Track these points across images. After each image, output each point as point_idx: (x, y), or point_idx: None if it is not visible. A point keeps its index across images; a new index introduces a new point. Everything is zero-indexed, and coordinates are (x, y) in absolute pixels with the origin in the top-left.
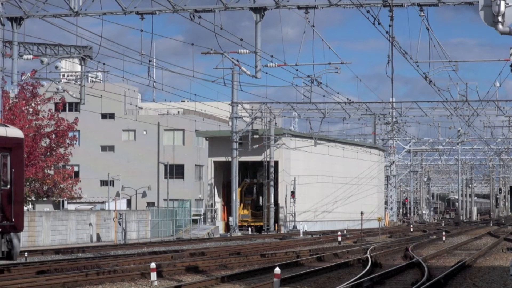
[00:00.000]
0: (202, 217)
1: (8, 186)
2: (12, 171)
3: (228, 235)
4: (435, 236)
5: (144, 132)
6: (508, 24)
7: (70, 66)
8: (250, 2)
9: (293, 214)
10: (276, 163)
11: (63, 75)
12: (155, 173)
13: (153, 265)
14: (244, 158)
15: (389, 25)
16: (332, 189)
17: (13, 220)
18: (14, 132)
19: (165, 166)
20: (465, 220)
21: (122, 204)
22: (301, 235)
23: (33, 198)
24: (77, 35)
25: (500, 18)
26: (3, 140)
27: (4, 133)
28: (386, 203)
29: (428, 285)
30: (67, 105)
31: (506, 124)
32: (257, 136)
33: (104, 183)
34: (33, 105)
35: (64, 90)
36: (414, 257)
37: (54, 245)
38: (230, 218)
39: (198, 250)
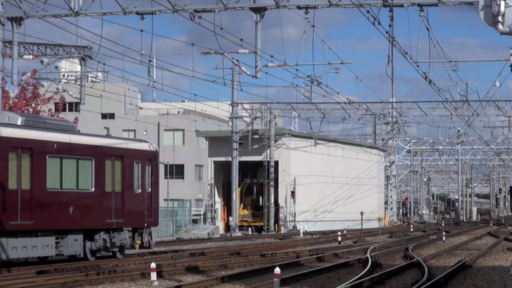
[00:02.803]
0: (202, 217)
1: (150, 189)
2: (152, 178)
3: (228, 235)
4: (435, 236)
5: (144, 132)
6: (508, 24)
7: (70, 66)
8: (250, 2)
9: (293, 214)
10: (276, 163)
11: (63, 75)
12: None
13: (153, 265)
14: (244, 158)
15: (389, 25)
16: (332, 189)
17: (153, 217)
18: (152, 146)
19: (165, 166)
20: (465, 220)
21: None
22: (301, 235)
23: None
24: (77, 35)
25: (500, 18)
26: (147, 153)
27: (147, 148)
28: (386, 203)
29: (428, 285)
30: (67, 105)
31: (506, 124)
32: (257, 136)
33: None
34: (33, 105)
35: (64, 90)
36: (414, 257)
37: None
38: (230, 218)
39: (198, 250)
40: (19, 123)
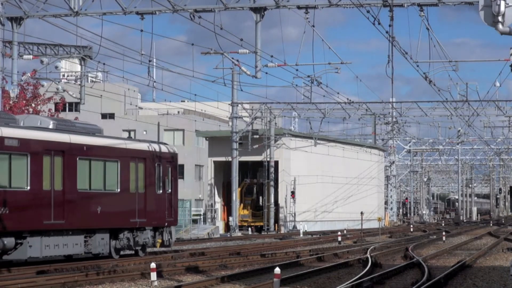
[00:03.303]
0: (202, 217)
1: (169, 190)
2: (171, 179)
3: (228, 235)
4: (435, 236)
5: (144, 132)
6: (508, 24)
7: (70, 66)
8: (250, 2)
9: (293, 214)
10: (276, 163)
11: (63, 75)
12: None
13: (153, 265)
14: (244, 158)
15: (389, 25)
16: (332, 189)
17: (172, 216)
18: (172, 149)
19: None
20: (465, 220)
21: None
22: (301, 235)
23: None
24: (77, 35)
25: (500, 18)
26: (167, 155)
27: (167, 150)
28: (386, 203)
29: (428, 285)
30: (67, 105)
31: (506, 124)
32: (257, 136)
33: None
34: (33, 105)
35: (64, 90)
36: (414, 257)
37: None
38: (230, 218)
39: (198, 250)
40: (50, 126)
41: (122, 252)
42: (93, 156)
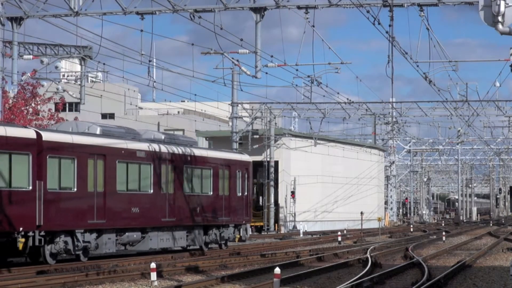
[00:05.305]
0: None
1: (246, 193)
2: (247, 183)
3: None
4: (435, 236)
5: None
6: (508, 24)
7: (70, 66)
8: (250, 2)
9: (293, 214)
10: (276, 163)
11: (63, 75)
12: None
13: (153, 265)
14: None
15: (389, 25)
16: (332, 189)
17: (248, 215)
18: (247, 158)
19: None
20: (465, 220)
21: None
22: (301, 235)
23: None
24: (77, 35)
25: (500, 18)
26: (244, 163)
27: (244, 158)
28: (386, 203)
29: (428, 285)
30: (67, 105)
31: (506, 124)
32: (257, 136)
33: None
34: (33, 105)
35: (64, 90)
36: (414, 257)
37: None
38: None
39: (198, 250)
40: (162, 137)
41: (210, 246)
42: (194, 165)
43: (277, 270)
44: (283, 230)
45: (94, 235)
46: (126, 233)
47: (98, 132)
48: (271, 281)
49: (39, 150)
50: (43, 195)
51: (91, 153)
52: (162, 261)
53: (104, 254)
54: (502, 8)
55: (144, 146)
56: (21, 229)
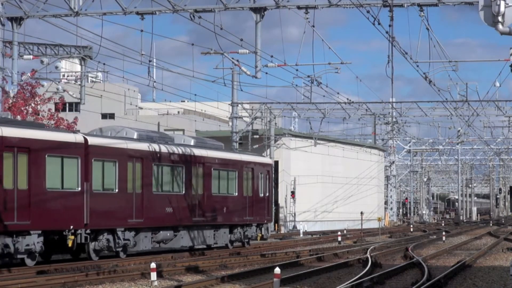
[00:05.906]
0: None
1: (268, 194)
2: (269, 184)
3: None
4: (435, 236)
5: None
6: (508, 24)
7: (70, 66)
8: (250, 2)
9: (293, 214)
10: (276, 163)
11: (63, 75)
12: None
13: (153, 265)
14: None
15: (389, 25)
16: (332, 189)
17: (269, 215)
18: (269, 160)
19: None
20: (465, 220)
21: None
22: (301, 235)
23: None
24: (77, 35)
25: (500, 18)
26: (266, 165)
27: (266, 161)
28: (386, 203)
29: (428, 285)
30: (67, 105)
31: (506, 124)
32: (257, 136)
33: None
34: (32, 105)
35: (64, 90)
36: (414, 257)
37: None
38: None
39: (198, 250)
40: (192, 142)
41: (235, 244)
42: (220, 167)
43: (277, 270)
44: (283, 230)
45: (133, 233)
46: (161, 232)
47: (135, 136)
48: (271, 281)
49: (86, 154)
50: (89, 196)
51: (130, 156)
52: (162, 261)
53: (140, 251)
54: (502, 8)
55: (176, 149)
56: (71, 227)
